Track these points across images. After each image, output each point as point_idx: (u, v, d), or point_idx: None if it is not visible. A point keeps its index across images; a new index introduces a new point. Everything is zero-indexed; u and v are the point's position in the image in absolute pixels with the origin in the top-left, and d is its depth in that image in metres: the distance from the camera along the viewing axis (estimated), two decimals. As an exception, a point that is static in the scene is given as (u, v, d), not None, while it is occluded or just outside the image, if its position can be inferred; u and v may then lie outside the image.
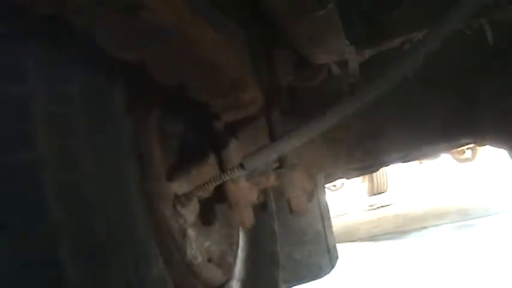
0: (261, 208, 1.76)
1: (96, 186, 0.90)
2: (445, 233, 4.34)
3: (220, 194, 1.47)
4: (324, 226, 2.85)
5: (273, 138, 1.38)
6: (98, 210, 0.89)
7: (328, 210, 2.91)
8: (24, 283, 0.78)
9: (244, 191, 1.39)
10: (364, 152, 1.54)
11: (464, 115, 1.59)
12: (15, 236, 0.79)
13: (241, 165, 1.22)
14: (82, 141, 0.89)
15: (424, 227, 4.77)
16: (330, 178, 3.82)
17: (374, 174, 9.93)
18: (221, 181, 1.30)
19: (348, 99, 1.16)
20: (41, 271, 0.79)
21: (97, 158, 0.92)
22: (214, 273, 1.46)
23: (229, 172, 1.27)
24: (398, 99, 1.54)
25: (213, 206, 1.52)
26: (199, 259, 1.39)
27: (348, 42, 1.71)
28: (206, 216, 1.52)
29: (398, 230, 5.04)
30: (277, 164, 1.45)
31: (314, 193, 1.70)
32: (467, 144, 2.19)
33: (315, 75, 2.08)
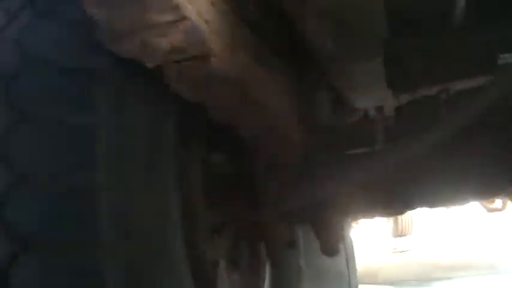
0: (289, 245, 1.78)
1: (143, 212, 0.95)
2: (471, 286, 4.24)
3: (253, 229, 1.51)
4: (347, 266, 2.84)
5: (312, 177, 1.42)
6: (142, 237, 0.94)
7: (353, 250, 2.90)
8: None
9: (278, 229, 1.43)
10: (401, 199, 1.56)
11: (501, 166, 1.60)
12: (68, 254, 0.84)
13: (279, 203, 1.26)
14: (136, 169, 0.94)
15: (449, 278, 4.67)
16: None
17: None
18: (257, 217, 1.34)
19: (391, 148, 1.20)
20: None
21: (146, 185, 0.97)
22: (241, 306, 1.49)
23: (265, 209, 1.31)
24: (436, 149, 1.57)
25: (245, 240, 1.56)
26: (228, 291, 1.43)
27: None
28: (237, 249, 1.55)
29: (422, 277, 4.94)
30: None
31: (345, 235, 1.73)
32: (501, 194, 2.18)
33: (350, 115, 2.12)
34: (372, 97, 1.66)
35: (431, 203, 1.62)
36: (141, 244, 0.92)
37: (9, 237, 0.83)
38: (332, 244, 1.44)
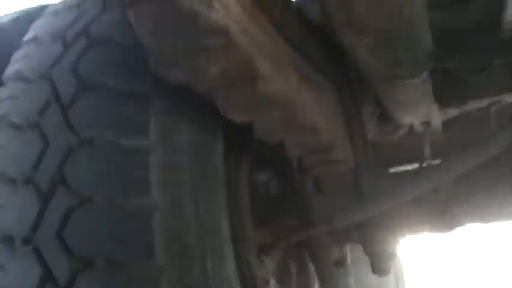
0: (338, 264, 1.77)
1: (196, 233, 0.97)
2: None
3: (302, 248, 1.51)
4: (397, 286, 2.78)
5: (360, 195, 1.41)
6: (195, 257, 0.96)
7: (402, 269, 2.84)
8: None
9: (326, 246, 1.42)
10: (452, 217, 1.52)
11: None
12: (124, 274, 0.86)
13: (329, 221, 1.26)
14: (188, 190, 0.97)
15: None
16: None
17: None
18: (306, 235, 1.34)
19: (440, 165, 1.18)
20: None
21: (198, 206, 0.99)
22: (290, 324, 1.48)
23: (314, 228, 1.30)
24: (488, 166, 1.53)
25: (294, 259, 1.56)
26: (278, 309, 1.42)
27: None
28: (286, 268, 1.55)
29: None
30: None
31: (396, 254, 1.70)
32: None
33: (396, 131, 2.09)
34: (419, 112, 1.63)
35: (482, 219, 1.57)
36: (193, 264, 0.94)
37: (69, 258, 0.86)
38: (383, 263, 1.42)
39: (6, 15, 1.48)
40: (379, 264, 1.42)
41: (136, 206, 0.88)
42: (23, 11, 1.48)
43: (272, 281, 1.41)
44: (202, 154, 1.04)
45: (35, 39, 1.09)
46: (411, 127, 2.12)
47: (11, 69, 1.07)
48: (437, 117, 1.96)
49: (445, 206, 1.51)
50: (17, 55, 1.09)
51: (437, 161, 2.09)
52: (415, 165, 2.17)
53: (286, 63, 1.00)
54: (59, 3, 1.17)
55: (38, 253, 0.88)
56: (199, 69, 0.79)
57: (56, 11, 1.14)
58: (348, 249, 1.93)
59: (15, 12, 1.48)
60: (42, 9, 1.28)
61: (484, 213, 1.54)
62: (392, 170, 2.19)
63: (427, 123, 2.07)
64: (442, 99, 1.80)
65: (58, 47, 1.04)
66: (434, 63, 1.54)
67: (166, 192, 0.92)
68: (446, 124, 2.14)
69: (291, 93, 0.93)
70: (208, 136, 1.07)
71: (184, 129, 0.98)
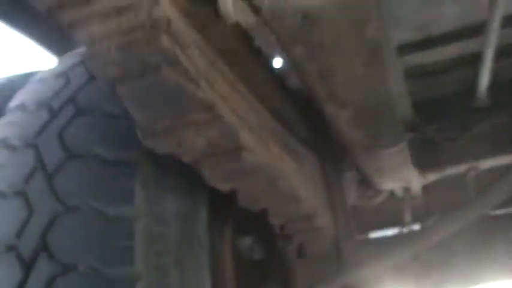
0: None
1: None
2: None
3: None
4: None
5: (341, 262, 1.42)
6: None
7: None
8: None
9: (309, 314, 1.41)
10: (432, 282, 1.53)
11: None
12: None
13: (310, 288, 1.26)
14: (172, 259, 0.97)
15: None
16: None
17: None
18: (288, 302, 1.33)
19: (419, 235, 1.20)
20: None
21: (183, 275, 0.99)
22: None
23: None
24: (468, 231, 1.56)
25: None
26: None
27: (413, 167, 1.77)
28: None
29: None
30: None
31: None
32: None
33: (376, 196, 2.12)
34: (399, 178, 1.68)
35: (462, 284, 1.58)
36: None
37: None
38: (365, 330, 1.41)
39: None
40: None
41: (119, 275, 0.88)
42: (7, 78, 1.51)
43: None
44: (187, 223, 1.05)
45: (20, 106, 1.11)
46: (391, 192, 2.15)
47: (-5, 137, 1.08)
48: (417, 182, 2.01)
49: (424, 272, 1.53)
50: (2, 122, 1.11)
51: (417, 225, 2.12)
52: (396, 229, 2.20)
53: (268, 133, 1.04)
54: (46, 70, 1.20)
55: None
56: (185, 141, 0.82)
57: (43, 79, 1.16)
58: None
59: (-1, 79, 1.50)
60: (26, 76, 1.30)
61: (461, 278, 1.55)
62: (373, 234, 2.21)
63: (407, 188, 2.10)
64: (421, 164, 1.85)
65: (44, 115, 1.06)
66: (412, 133, 1.60)
67: (151, 262, 0.92)
68: (425, 188, 2.18)
69: (273, 163, 0.96)
70: (194, 204, 1.08)
71: (169, 198, 1.00)
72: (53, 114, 1.05)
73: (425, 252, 1.55)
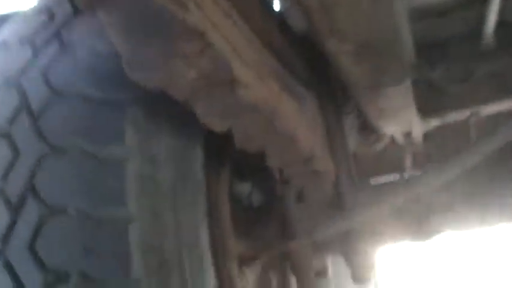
0: (319, 275, 1.74)
1: (174, 245, 0.94)
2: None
3: (283, 259, 1.48)
4: (376, 295, 2.78)
5: (342, 206, 1.39)
6: (174, 270, 0.93)
7: (381, 280, 2.84)
8: None
9: (307, 258, 1.40)
10: (432, 225, 1.52)
11: None
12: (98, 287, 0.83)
13: (310, 232, 1.24)
14: (166, 201, 0.93)
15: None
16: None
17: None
18: (287, 246, 1.31)
19: (420, 176, 1.17)
20: None
21: (178, 218, 0.96)
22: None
23: (295, 239, 1.28)
24: (469, 176, 1.53)
25: (275, 270, 1.53)
26: (258, 322, 1.39)
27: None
28: (267, 279, 1.52)
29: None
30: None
31: (376, 263, 1.68)
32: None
33: (377, 141, 2.09)
34: (400, 122, 1.63)
35: (460, 227, 1.58)
36: (172, 277, 0.91)
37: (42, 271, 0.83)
38: (364, 273, 1.40)
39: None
40: (360, 273, 1.41)
41: (111, 218, 0.85)
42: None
43: (253, 294, 1.39)
44: (181, 164, 1.01)
45: (2, 44, 1.04)
46: (392, 138, 2.12)
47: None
48: (418, 128, 1.97)
49: (425, 215, 1.51)
50: None
51: (418, 172, 2.10)
52: (396, 176, 2.18)
53: (267, 70, 0.98)
54: (29, 9, 1.13)
55: (9, 266, 0.85)
56: (176, 73, 0.76)
57: (25, 16, 1.10)
58: (329, 260, 1.91)
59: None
60: (8, 17, 1.23)
61: (462, 222, 1.54)
62: (373, 180, 2.19)
63: (408, 134, 2.07)
64: (424, 110, 1.81)
65: (27, 52, 1.00)
66: (415, 77, 1.54)
67: (144, 204, 0.88)
68: (427, 135, 2.15)
69: (271, 100, 0.91)
70: (188, 145, 1.04)
71: (162, 138, 0.95)
72: (37, 51, 0.99)
73: (427, 195, 1.52)
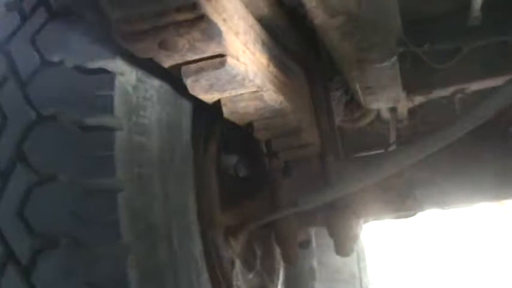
0: (303, 246, 1.78)
1: (162, 212, 0.95)
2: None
3: (267, 230, 1.51)
4: (359, 267, 2.83)
5: (327, 179, 1.41)
6: (162, 236, 0.94)
7: (364, 252, 2.89)
8: None
9: (293, 228, 1.43)
10: (415, 200, 1.54)
11: None
12: (89, 253, 0.84)
13: (295, 204, 1.26)
14: (155, 169, 0.94)
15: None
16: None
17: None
18: (273, 217, 1.34)
19: (403, 151, 1.18)
20: (109, 286, 0.84)
21: (166, 186, 0.97)
22: (256, 306, 1.49)
23: (281, 209, 1.30)
24: (450, 150, 1.56)
25: (259, 241, 1.56)
26: (243, 291, 1.43)
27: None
28: (252, 249, 1.55)
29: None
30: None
31: (359, 236, 1.72)
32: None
33: (363, 117, 2.11)
34: (387, 99, 1.65)
35: (442, 204, 1.60)
36: (160, 243, 0.92)
37: (31, 237, 0.84)
38: (347, 245, 1.43)
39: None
40: (343, 245, 1.44)
41: (100, 185, 0.85)
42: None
43: (238, 263, 1.41)
44: (169, 133, 1.02)
45: None
46: (377, 114, 2.14)
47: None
48: (403, 104, 1.99)
49: (408, 190, 1.54)
50: None
51: (401, 146, 2.12)
52: (381, 151, 2.20)
53: (256, 40, 0.98)
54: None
55: (-2, 232, 0.86)
56: (167, 43, 0.76)
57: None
58: (313, 232, 1.95)
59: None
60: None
61: (444, 198, 1.57)
62: (357, 155, 2.22)
63: (393, 110, 2.09)
64: (410, 86, 1.82)
65: (15, 19, 0.98)
66: (404, 48, 1.55)
67: (132, 172, 0.89)
68: (411, 111, 2.17)
69: (260, 72, 0.91)
70: (176, 115, 1.05)
71: (150, 107, 0.96)
72: (25, 17, 0.98)
73: (409, 171, 1.55)
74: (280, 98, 1.03)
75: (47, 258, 0.84)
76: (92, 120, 0.87)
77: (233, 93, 0.93)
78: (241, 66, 0.85)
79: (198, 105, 1.09)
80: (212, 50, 0.79)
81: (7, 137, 0.88)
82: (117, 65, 0.90)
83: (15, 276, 0.85)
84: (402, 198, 1.54)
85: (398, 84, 1.51)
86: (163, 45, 0.77)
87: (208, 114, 1.25)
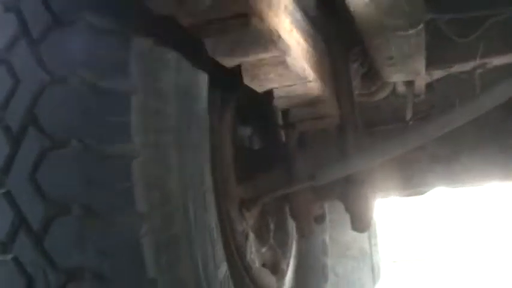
0: (317, 220, 1.75)
1: (178, 182, 0.92)
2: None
3: (281, 204, 1.48)
4: (370, 244, 2.82)
5: (344, 152, 1.38)
6: (178, 206, 0.92)
7: (375, 228, 2.87)
8: (107, 263, 0.81)
9: (308, 202, 1.40)
10: (436, 176, 1.50)
11: None
12: (102, 221, 0.82)
13: (311, 177, 1.22)
14: (171, 137, 0.91)
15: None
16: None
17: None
18: (289, 190, 1.31)
19: (426, 124, 1.14)
20: (122, 255, 0.82)
21: (182, 155, 0.94)
22: (269, 279, 1.47)
23: (297, 182, 1.27)
24: (475, 125, 1.51)
25: (273, 214, 1.53)
26: (257, 263, 1.40)
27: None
28: (265, 222, 1.53)
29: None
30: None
31: (375, 211, 1.68)
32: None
33: (379, 91, 2.06)
34: (409, 69, 1.59)
35: (467, 181, 1.56)
36: (175, 213, 0.90)
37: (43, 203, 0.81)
38: (363, 220, 1.40)
39: None
40: (359, 221, 1.41)
41: (115, 151, 0.82)
42: None
43: (251, 236, 1.39)
44: (186, 100, 0.98)
45: None
46: (394, 89, 2.09)
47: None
48: (421, 78, 1.93)
49: (429, 165, 1.50)
50: None
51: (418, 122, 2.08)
52: (400, 126, 2.15)
53: (279, 2, 0.93)
54: None
55: (10, 197, 0.83)
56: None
57: None
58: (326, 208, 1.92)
59: None
60: None
61: (469, 175, 1.52)
62: (376, 129, 2.17)
63: (410, 85, 2.04)
64: (430, 59, 1.76)
65: None
66: (427, 21, 1.49)
67: (148, 138, 0.86)
68: (429, 86, 2.11)
69: (283, 36, 0.87)
70: (193, 81, 1.01)
71: (167, 72, 0.92)
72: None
73: (430, 145, 1.50)
74: (304, 64, 0.99)
75: (60, 225, 0.82)
76: (106, 83, 0.83)
77: (255, 57, 0.88)
78: (265, 27, 0.81)
79: (213, 72, 1.05)
80: (236, 9, 0.75)
81: (19, 99, 0.85)
82: (134, 26, 0.86)
83: (27, 242, 0.83)
84: (423, 174, 1.50)
85: (421, 55, 1.45)
86: (183, 1, 0.72)
87: (223, 83, 1.21)
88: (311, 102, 1.18)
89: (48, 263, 0.82)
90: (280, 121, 1.45)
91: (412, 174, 1.49)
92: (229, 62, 0.89)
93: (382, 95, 2.09)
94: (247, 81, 0.97)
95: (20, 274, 0.83)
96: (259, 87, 1.01)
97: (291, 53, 0.92)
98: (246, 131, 1.55)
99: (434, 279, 3.97)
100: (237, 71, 1.01)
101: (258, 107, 1.45)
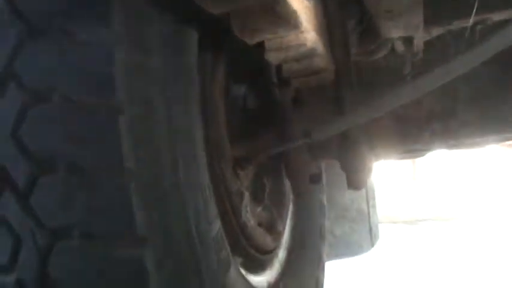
0: (313, 180, 1.74)
1: (167, 138, 0.89)
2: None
3: (277, 163, 1.46)
4: (368, 205, 2.82)
5: (340, 108, 1.34)
6: (167, 164, 0.89)
7: (373, 189, 2.87)
8: (95, 221, 0.79)
9: (304, 161, 1.37)
10: (433, 133, 1.48)
11: None
12: (89, 179, 0.79)
13: (307, 135, 1.19)
14: (158, 91, 0.88)
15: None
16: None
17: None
18: (283, 148, 1.28)
19: (422, 77, 1.10)
20: (111, 213, 0.80)
21: (170, 110, 0.91)
22: (264, 239, 1.46)
23: (291, 142, 1.24)
24: (472, 80, 1.47)
25: (269, 174, 1.51)
26: (252, 223, 1.39)
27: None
28: (261, 182, 1.51)
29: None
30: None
31: (372, 170, 1.67)
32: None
33: (377, 49, 2.01)
34: (407, 24, 1.54)
35: (465, 135, 1.53)
36: (164, 171, 0.87)
37: (27, 160, 0.78)
38: (359, 177, 1.38)
39: None
40: (355, 178, 1.38)
41: (98, 107, 0.79)
42: None
43: (246, 195, 1.37)
44: (174, 53, 0.94)
45: None
46: (393, 48, 2.04)
47: None
48: (420, 36, 1.88)
49: (426, 121, 1.47)
50: None
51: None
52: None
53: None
54: None
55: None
56: None
57: None
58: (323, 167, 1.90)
59: None
60: None
61: (467, 129, 1.50)
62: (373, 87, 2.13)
63: (408, 42, 1.99)
64: (429, 15, 1.71)
65: None
66: None
67: (133, 94, 0.82)
68: (427, 44, 2.07)
69: None
70: (181, 32, 0.97)
71: (153, 22, 0.88)
72: None
73: (428, 101, 1.47)
74: (295, 13, 0.94)
75: (45, 183, 0.79)
76: (87, 34, 0.79)
77: (245, 4, 0.84)
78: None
79: (205, 25, 1.00)
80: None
81: (-3, 55, 0.81)
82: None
83: (13, 202, 0.81)
84: (420, 131, 1.47)
85: (420, 8, 1.40)
86: None
87: (214, 38, 1.17)
88: (305, 56, 1.13)
89: (36, 223, 0.80)
90: (274, 79, 1.41)
91: (409, 131, 1.46)
92: (217, 10, 0.85)
93: (381, 54, 2.05)
94: (236, 31, 0.93)
95: (8, 235, 0.81)
96: (249, 39, 0.97)
97: (280, 1, 0.87)
98: (239, 90, 1.51)
99: (434, 240, 4.01)
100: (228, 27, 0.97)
101: (252, 65, 1.41)
